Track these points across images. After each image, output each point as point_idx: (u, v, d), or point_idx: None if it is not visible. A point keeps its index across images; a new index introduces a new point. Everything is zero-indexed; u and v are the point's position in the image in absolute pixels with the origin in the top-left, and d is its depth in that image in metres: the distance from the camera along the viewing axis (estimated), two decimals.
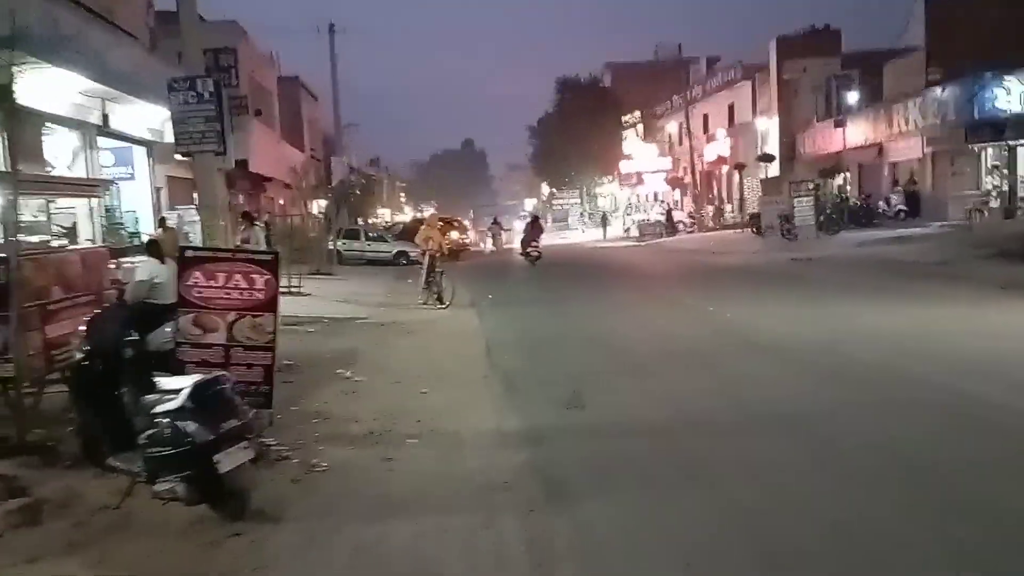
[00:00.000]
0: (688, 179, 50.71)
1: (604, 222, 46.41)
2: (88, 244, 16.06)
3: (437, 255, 16.42)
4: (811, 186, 26.76)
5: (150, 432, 4.77)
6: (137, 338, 5.36)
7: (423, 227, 17.95)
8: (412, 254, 30.29)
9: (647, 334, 11.15)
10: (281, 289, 17.31)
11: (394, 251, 30.34)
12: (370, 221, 54.43)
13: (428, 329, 12.69)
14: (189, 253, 6.78)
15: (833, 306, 12.59)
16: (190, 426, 4.60)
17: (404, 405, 7.65)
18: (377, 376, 9.05)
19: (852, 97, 30.56)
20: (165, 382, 5.14)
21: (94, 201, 17.75)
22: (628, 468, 5.55)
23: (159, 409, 4.75)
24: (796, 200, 26.33)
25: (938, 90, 25.10)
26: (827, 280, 16.46)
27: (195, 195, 16.33)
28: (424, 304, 15.87)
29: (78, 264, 7.61)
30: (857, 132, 30.38)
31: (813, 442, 5.94)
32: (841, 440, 5.96)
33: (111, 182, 18.21)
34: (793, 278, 17.41)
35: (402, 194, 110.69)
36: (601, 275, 21.46)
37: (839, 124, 30.54)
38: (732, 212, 44.19)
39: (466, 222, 50.51)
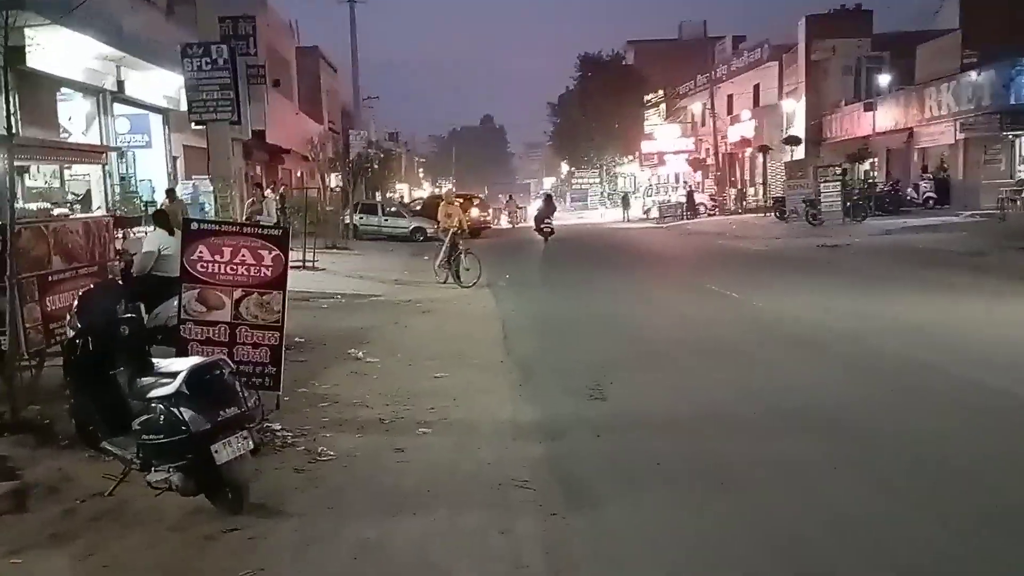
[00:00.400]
0: (710, 161, 49.95)
1: (625, 203, 45.76)
2: (99, 212, 15.83)
3: (459, 232, 15.99)
4: (838, 170, 26.10)
5: (144, 418, 4.47)
6: (133, 316, 5.04)
7: (442, 204, 17.52)
8: (429, 230, 29.98)
9: (669, 321, 10.76)
10: (295, 263, 17.06)
11: (411, 227, 30.00)
12: (388, 196, 54.13)
13: (443, 309, 12.36)
14: (194, 226, 6.43)
15: (864, 296, 12.11)
16: (186, 413, 4.28)
17: (417, 389, 7.33)
18: (390, 357, 8.73)
19: (884, 79, 29.73)
20: (162, 364, 4.83)
21: (107, 167, 17.52)
22: (652, 468, 5.20)
23: (154, 394, 4.44)
24: (823, 185, 25.72)
25: (973, 74, 24.35)
26: (856, 268, 15.96)
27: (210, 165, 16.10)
28: (443, 283, 15.49)
29: (80, 233, 7.30)
30: (887, 116, 29.63)
31: (847, 443, 5.56)
32: (878, 442, 5.57)
33: (117, 149, 17.89)
34: (820, 265, 16.92)
35: (421, 169, 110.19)
36: (620, 257, 21.05)
37: (869, 107, 29.78)
38: (755, 196, 43.49)
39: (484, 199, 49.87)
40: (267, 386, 6.31)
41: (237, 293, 6.29)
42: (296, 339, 9.67)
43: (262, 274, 6.31)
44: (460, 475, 5.19)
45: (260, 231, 6.46)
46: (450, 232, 15.98)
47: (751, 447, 5.55)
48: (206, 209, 21.81)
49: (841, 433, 5.77)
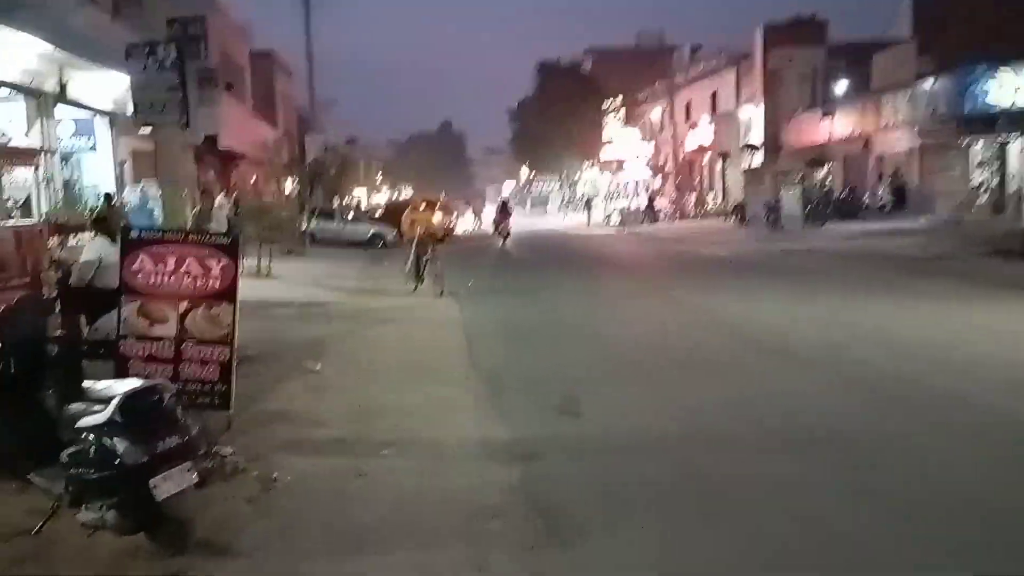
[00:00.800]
0: (669, 167, 50.15)
1: (588, 207, 45.58)
2: (33, 220, 15.03)
3: (427, 239, 15.49)
4: (798, 177, 26.22)
5: (74, 449, 3.97)
6: (64, 332, 4.53)
7: (408, 210, 16.95)
8: (388, 237, 29.48)
9: (640, 330, 10.46)
10: (249, 271, 16.42)
11: (370, 233, 29.41)
12: (346, 201, 53.29)
13: (404, 317, 11.90)
14: (134, 234, 5.92)
15: (837, 302, 11.97)
16: (120, 445, 3.80)
17: (378, 405, 6.89)
18: (348, 369, 8.27)
19: (841, 87, 30.00)
20: (98, 387, 4.33)
21: (48, 172, 16.75)
22: (637, 492, 4.84)
23: (84, 422, 3.95)
24: (783, 190, 25.80)
25: (929, 82, 24.63)
26: (825, 274, 15.90)
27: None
28: (414, 291, 14.89)
29: (11, 242, 6.73)
30: (844, 123, 29.89)
31: (845, 464, 5.25)
32: (874, 461, 5.29)
33: (52, 151, 17.04)
34: (788, 271, 16.82)
35: (379, 174, 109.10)
36: (584, 263, 20.76)
37: (827, 114, 30.02)
38: (714, 201, 43.74)
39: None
40: (216, 406, 5.84)
41: (183, 306, 5.80)
42: (248, 352, 9.16)
43: (210, 285, 5.83)
44: (428, 504, 4.77)
45: (207, 239, 5.97)
46: (415, 240, 15.52)
47: (740, 466, 5.23)
48: (155, 215, 21.09)
49: (841, 455, 5.46)
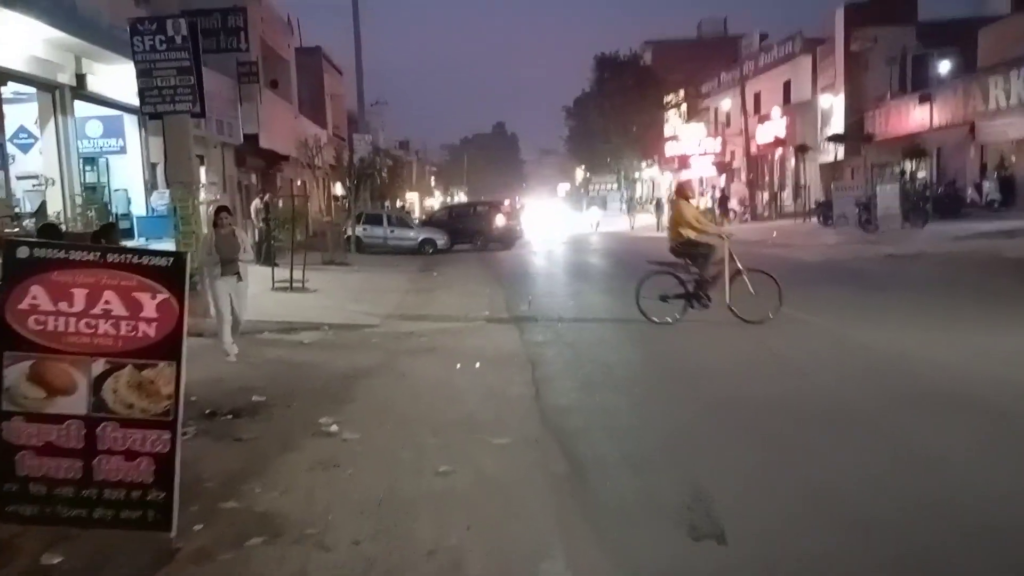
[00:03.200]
0: (737, 163, 47.19)
1: (659, 208, 42.58)
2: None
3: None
4: (897, 170, 23.31)
5: None
6: None
7: (681, 203, 10.50)
8: (439, 242, 27.48)
9: (748, 363, 8.05)
10: (281, 284, 14.48)
11: (419, 239, 27.46)
12: (398, 205, 51.62)
13: (452, 345, 9.69)
14: (22, 252, 3.81)
15: (990, 324, 9.36)
16: None
17: (410, 497, 4.69)
18: (377, 431, 6.09)
19: (944, 67, 26.88)
20: None
21: (64, 174, 15.15)
22: None
23: None
24: (879, 186, 22.94)
25: None
26: (950, 285, 13.24)
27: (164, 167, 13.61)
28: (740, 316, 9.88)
29: None
30: (943, 109, 26.81)
31: None
32: None
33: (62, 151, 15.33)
34: (903, 282, 14.16)
35: (432, 178, 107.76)
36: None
37: (925, 99, 26.94)
38: (788, 199, 40.73)
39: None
40: (151, 524, 3.72)
41: (98, 366, 3.70)
42: (254, 397, 7.09)
43: (141, 332, 3.72)
44: None
45: (137, 259, 3.83)
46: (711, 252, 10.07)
47: None
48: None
49: None
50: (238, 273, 8.77)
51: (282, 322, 11.44)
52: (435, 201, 74.12)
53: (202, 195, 20.72)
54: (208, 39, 23.21)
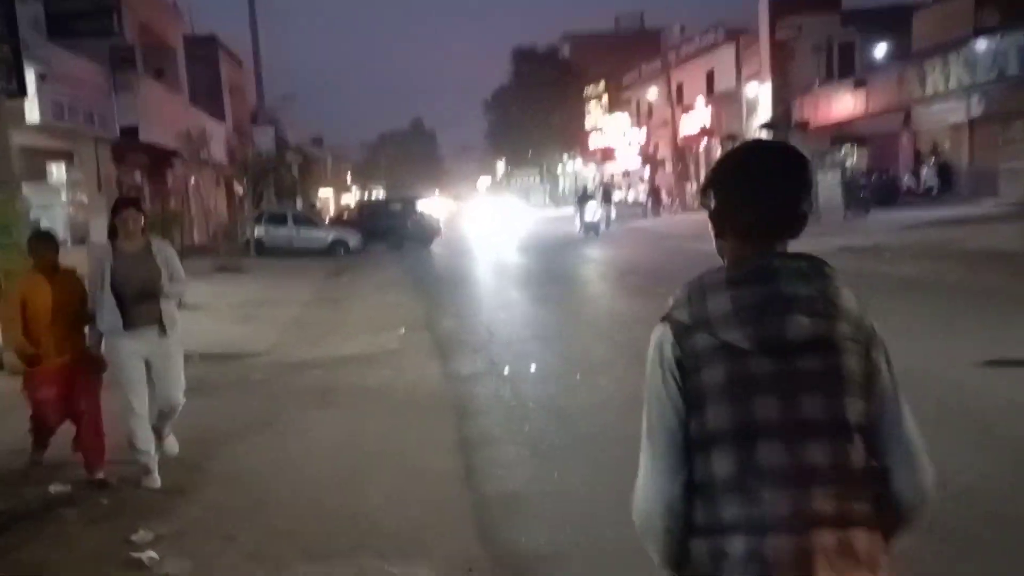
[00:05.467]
0: (662, 154, 46.06)
1: (582, 202, 40.35)
2: None
3: None
4: (838, 158, 22.10)
5: None
6: None
7: None
8: (351, 242, 25.09)
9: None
10: None
11: (330, 239, 24.96)
12: (312, 203, 48.59)
13: (357, 382, 7.49)
14: None
15: (1008, 332, 7.74)
16: None
17: None
18: (218, 560, 3.89)
19: (877, 52, 25.91)
20: None
21: None
22: None
23: None
24: (820, 175, 21.63)
25: (991, 39, 20.57)
26: (931, 283, 11.75)
27: None
28: None
29: None
30: (877, 96, 25.83)
31: None
32: None
33: None
34: (876, 280, 12.61)
35: (349, 175, 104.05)
36: (601, 280, 16.42)
37: (859, 84, 25.91)
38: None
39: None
40: None
41: None
42: (53, 487, 4.80)
43: None
44: None
45: None
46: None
47: None
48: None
49: None
50: (160, 321, 4.95)
51: None
52: (352, 198, 70.94)
53: (62, 196, 17.95)
54: (75, 21, 20.19)
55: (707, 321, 1.49)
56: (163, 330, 4.93)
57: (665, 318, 1.56)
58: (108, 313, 4.79)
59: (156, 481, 4.87)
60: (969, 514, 3.64)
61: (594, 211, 26.03)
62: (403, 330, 10.30)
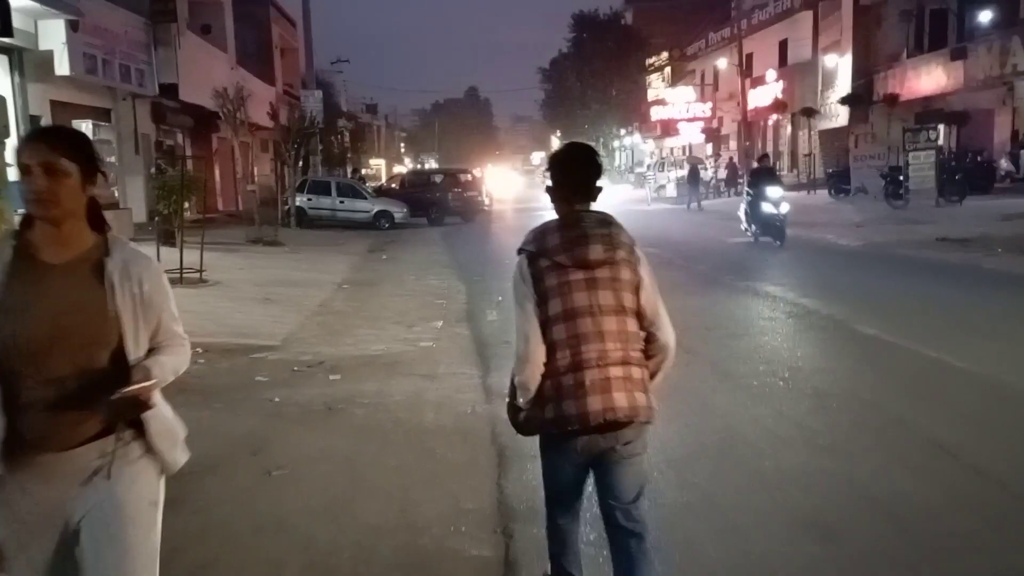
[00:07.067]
0: (726, 130, 43.74)
1: (759, 182, 36.96)
2: None
3: None
4: (933, 136, 19.94)
5: None
6: None
7: None
8: (397, 215, 23.80)
9: (873, 457, 4.59)
10: (172, 273, 10.75)
11: (374, 211, 23.69)
12: (363, 172, 47.54)
13: (377, 397, 6.08)
14: None
15: None
16: None
17: None
18: None
19: (984, 16, 23.41)
20: None
21: None
22: None
23: None
24: (912, 155, 19.58)
25: None
26: None
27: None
28: None
29: None
30: (974, 67, 23.40)
31: None
32: None
33: None
34: (985, 279, 10.82)
35: (402, 144, 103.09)
36: (673, 267, 14.55)
37: (958, 55, 23.49)
38: (783, 169, 37.48)
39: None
40: None
41: None
42: None
43: None
44: None
45: None
46: None
47: None
48: None
49: None
50: (101, 469, 2.10)
51: None
52: (404, 168, 69.96)
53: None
54: None
55: (546, 250, 2.55)
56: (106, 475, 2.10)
57: (521, 250, 2.61)
58: None
59: None
60: None
61: (778, 200, 15.09)
62: (440, 323, 8.91)
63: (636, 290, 2.55)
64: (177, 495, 3.99)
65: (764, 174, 15.82)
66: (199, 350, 7.55)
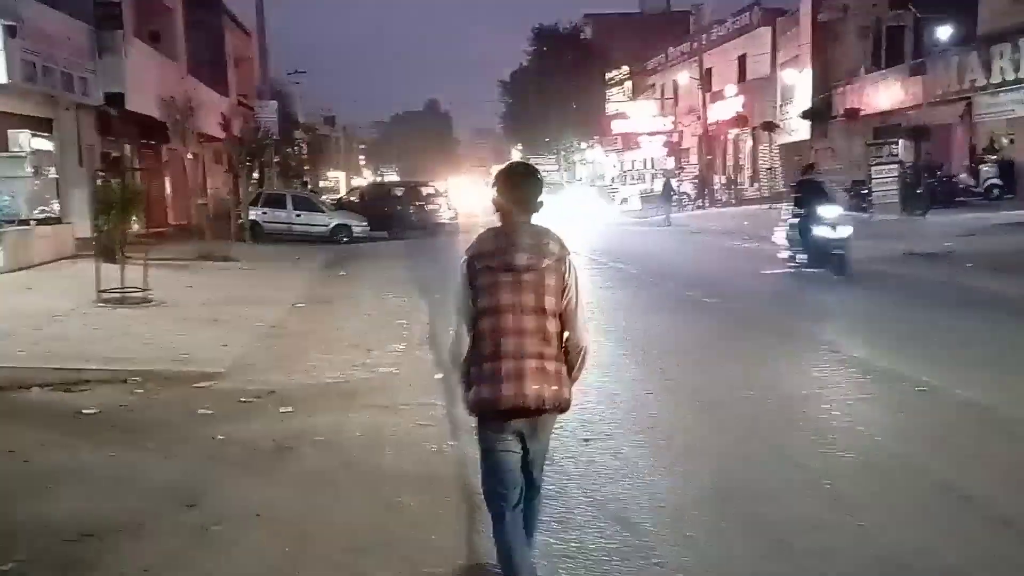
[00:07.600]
0: (687, 144, 43.80)
1: (809, 200, 32.61)
2: None
3: None
4: (895, 151, 19.93)
5: None
6: None
7: None
8: (356, 229, 23.13)
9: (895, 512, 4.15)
10: (112, 292, 10.10)
11: (331, 224, 22.98)
12: (320, 184, 46.71)
13: (331, 436, 5.46)
14: None
15: None
16: None
17: None
18: None
19: (940, 34, 23.56)
20: None
21: None
22: None
23: None
24: (875, 168, 19.52)
25: None
26: None
27: None
28: None
29: None
30: (933, 83, 23.53)
31: None
32: None
33: None
34: (958, 296, 10.57)
35: (361, 156, 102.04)
36: (649, 286, 13.96)
37: (917, 71, 23.61)
38: (742, 182, 37.63)
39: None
40: None
41: None
42: None
43: None
44: None
45: None
46: None
47: None
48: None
49: None
50: None
51: (67, 368, 7.10)
52: (363, 181, 68.97)
53: (27, 168, 16.01)
54: None
55: (482, 254, 2.91)
56: None
57: (466, 253, 2.96)
58: None
59: None
60: None
61: (834, 221, 12.08)
62: (402, 346, 8.34)
63: (560, 294, 2.88)
64: (89, 558, 3.40)
65: (813, 189, 12.61)
66: (134, 379, 6.91)
